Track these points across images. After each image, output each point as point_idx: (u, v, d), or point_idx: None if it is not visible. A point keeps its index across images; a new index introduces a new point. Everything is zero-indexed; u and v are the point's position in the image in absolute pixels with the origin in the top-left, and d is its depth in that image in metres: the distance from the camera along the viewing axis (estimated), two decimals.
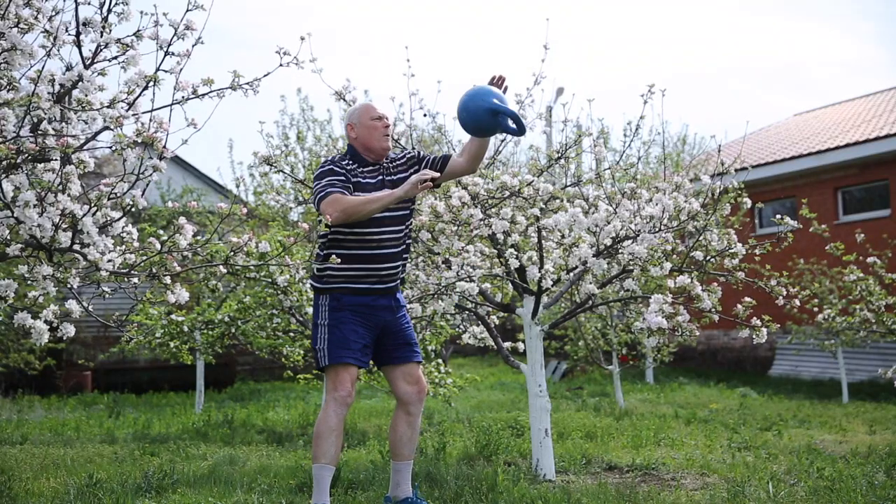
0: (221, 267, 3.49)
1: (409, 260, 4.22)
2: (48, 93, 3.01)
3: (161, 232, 3.62)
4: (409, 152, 4.10)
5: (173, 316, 8.22)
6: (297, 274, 5.70)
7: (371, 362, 4.04)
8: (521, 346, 5.35)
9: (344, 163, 3.90)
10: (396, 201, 3.77)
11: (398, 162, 4.03)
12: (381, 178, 3.93)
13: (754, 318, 4.32)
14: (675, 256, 4.87)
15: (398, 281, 3.99)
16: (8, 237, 3.07)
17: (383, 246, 3.85)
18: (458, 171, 4.09)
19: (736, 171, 5.15)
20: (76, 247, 3.06)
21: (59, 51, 3.15)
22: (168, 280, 3.26)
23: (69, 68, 3.16)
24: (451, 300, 4.86)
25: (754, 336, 4.30)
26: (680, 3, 50.30)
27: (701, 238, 4.82)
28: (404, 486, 3.96)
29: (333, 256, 3.59)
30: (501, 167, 6.37)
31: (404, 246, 3.98)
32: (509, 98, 4.09)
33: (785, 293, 4.60)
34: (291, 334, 8.23)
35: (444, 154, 4.13)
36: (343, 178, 3.80)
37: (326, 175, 3.81)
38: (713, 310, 4.44)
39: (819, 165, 13.99)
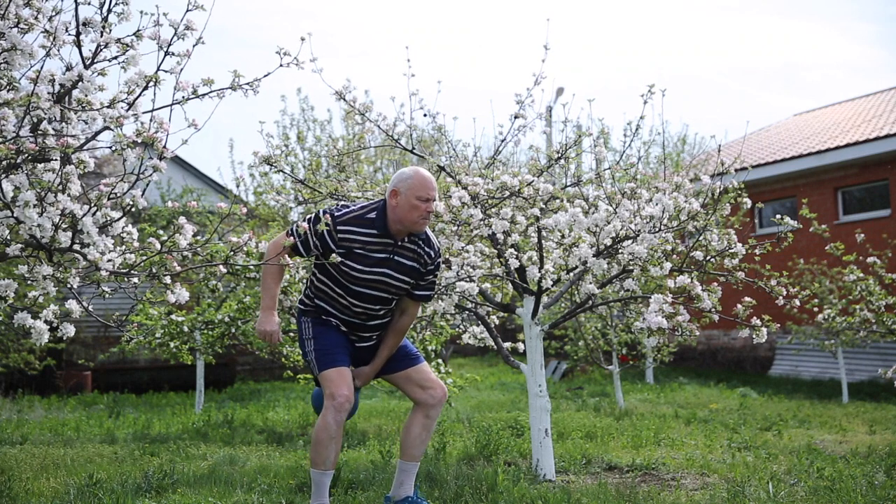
0: (221, 267, 3.49)
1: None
2: (48, 93, 3.01)
3: (161, 232, 3.62)
4: (424, 249, 3.87)
5: (173, 316, 8.22)
6: (297, 274, 5.70)
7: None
8: (521, 346, 5.35)
9: (353, 229, 3.73)
10: (262, 309, 3.81)
11: (411, 247, 3.83)
12: (390, 255, 3.79)
13: (754, 318, 4.32)
14: (675, 256, 4.88)
15: (373, 342, 3.98)
16: (8, 237, 3.07)
17: (350, 311, 3.85)
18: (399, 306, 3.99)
19: (736, 171, 5.15)
20: (76, 247, 3.06)
21: (59, 51, 3.15)
22: (168, 280, 3.26)
23: (69, 68, 3.16)
24: (451, 300, 4.86)
25: (754, 336, 4.30)
26: (680, 3, 50.32)
27: (701, 238, 4.82)
28: (407, 486, 3.97)
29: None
30: (501, 167, 6.36)
31: (379, 321, 3.93)
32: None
33: (785, 293, 4.60)
34: (291, 334, 8.22)
35: (419, 293, 3.94)
36: (306, 244, 3.72)
37: (314, 227, 3.70)
38: (713, 310, 4.44)
39: (819, 165, 13.99)
